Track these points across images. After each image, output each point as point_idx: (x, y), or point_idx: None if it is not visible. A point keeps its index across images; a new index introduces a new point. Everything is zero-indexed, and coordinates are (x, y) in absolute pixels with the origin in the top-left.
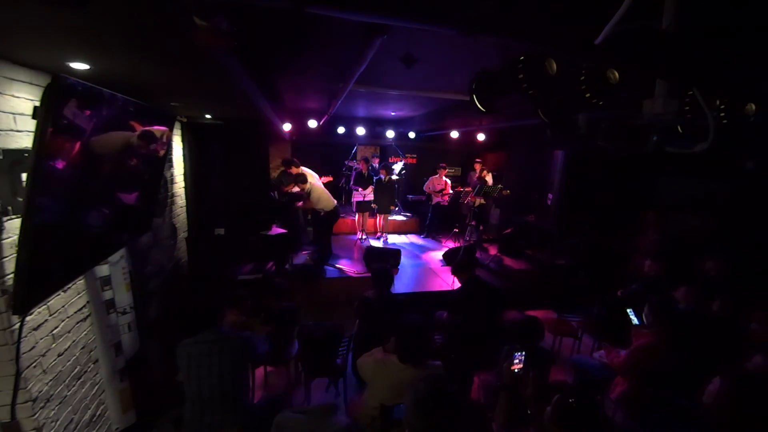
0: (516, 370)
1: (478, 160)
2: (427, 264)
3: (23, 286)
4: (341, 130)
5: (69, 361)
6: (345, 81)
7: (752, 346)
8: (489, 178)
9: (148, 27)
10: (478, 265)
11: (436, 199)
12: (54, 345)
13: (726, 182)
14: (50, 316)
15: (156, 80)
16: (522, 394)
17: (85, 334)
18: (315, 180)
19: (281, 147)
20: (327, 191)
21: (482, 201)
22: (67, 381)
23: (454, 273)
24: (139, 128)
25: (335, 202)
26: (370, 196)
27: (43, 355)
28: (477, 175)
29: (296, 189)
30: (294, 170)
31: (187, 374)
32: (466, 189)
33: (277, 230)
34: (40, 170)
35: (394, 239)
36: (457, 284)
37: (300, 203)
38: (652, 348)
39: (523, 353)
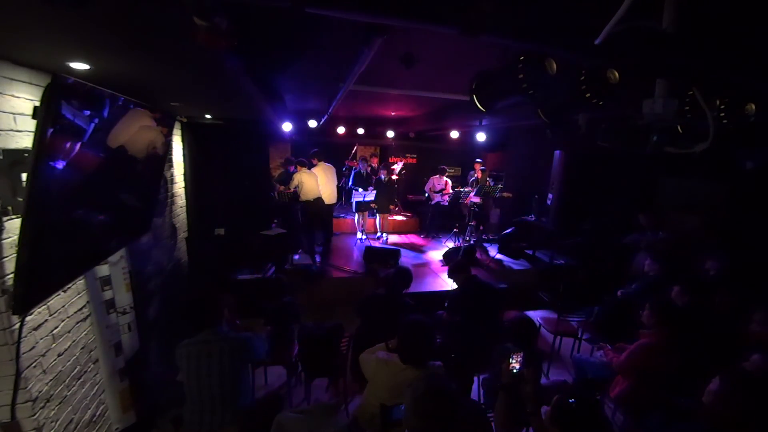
0: (515, 370)
1: (478, 160)
2: (427, 264)
3: (23, 286)
4: (341, 130)
5: (69, 361)
6: (345, 81)
7: (752, 346)
8: (481, 175)
9: (148, 27)
10: (478, 265)
11: (436, 199)
12: (54, 345)
13: (726, 182)
14: (50, 316)
15: (156, 80)
16: (521, 393)
17: (85, 334)
18: (310, 176)
19: (281, 147)
20: (317, 185)
21: (482, 201)
22: (67, 381)
23: (450, 276)
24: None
25: (319, 194)
26: (370, 196)
27: (43, 355)
28: (477, 175)
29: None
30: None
31: (187, 374)
32: (466, 189)
33: (277, 230)
34: (40, 170)
35: (394, 239)
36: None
37: (287, 189)
38: (652, 348)
39: (522, 353)
